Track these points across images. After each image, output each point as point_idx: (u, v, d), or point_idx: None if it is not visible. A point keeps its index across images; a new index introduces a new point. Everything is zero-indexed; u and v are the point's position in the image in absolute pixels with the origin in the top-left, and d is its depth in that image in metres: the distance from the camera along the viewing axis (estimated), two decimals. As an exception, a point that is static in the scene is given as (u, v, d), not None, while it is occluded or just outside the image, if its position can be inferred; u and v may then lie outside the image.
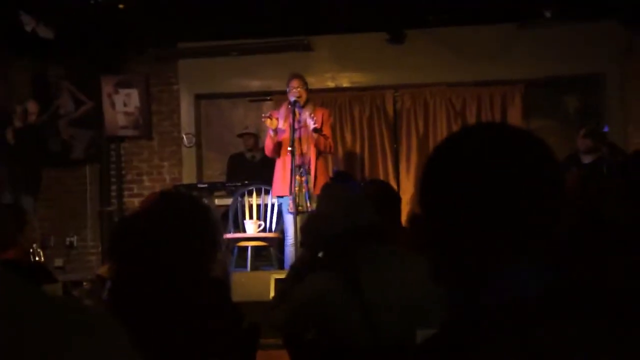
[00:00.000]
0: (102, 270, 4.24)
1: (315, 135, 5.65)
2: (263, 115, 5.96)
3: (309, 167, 5.64)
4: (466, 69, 7.49)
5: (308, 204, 5.47)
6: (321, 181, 5.57)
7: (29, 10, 6.17)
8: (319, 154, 5.75)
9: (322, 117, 5.80)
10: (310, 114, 5.69)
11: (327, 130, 5.83)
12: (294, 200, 5.51)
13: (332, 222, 2.42)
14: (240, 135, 7.58)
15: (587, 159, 6.38)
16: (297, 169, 5.55)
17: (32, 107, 6.54)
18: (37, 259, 4.28)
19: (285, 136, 5.71)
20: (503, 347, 0.87)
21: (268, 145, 5.89)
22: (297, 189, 5.54)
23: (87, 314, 0.76)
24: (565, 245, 1.10)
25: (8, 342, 0.68)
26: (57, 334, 0.71)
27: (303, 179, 5.56)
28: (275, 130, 5.75)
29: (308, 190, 5.52)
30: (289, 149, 5.52)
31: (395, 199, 3.20)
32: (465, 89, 7.74)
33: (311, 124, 5.63)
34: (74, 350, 0.70)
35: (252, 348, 2.49)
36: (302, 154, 5.61)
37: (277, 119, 5.77)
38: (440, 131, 7.61)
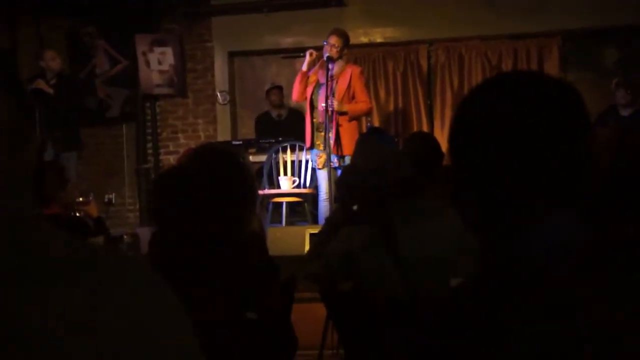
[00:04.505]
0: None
1: (346, 115, 5.63)
2: (308, 52, 5.88)
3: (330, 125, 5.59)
4: (501, 22, 7.35)
5: (334, 160, 5.52)
6: (347, 139, 5.57)
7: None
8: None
9: (351, 77, 5.73)
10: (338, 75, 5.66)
11: (360, 91, 5.77)
12: (326, 155, 5.55)
13: (367, 175, 2.44)
14: (267, 92, 7.54)
15: (625, 112, 6.28)
16: (322, 124, 5.59)
17: (49, 54, 6.55)
18: (77, 214, 4.37)
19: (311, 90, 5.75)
20: (533, 297, 0.87)
21: (296, 84, 5.85)
22: (322, 145, 5.61)
23: (131, 264, 0.80)
24: (601, 198, 1.09)
25: (56, 289, 0.71)
26: (99, 280, 0.74)
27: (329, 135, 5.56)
28: (309, 65, 5.74)
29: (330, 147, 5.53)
30: (322, 105, 5.54)
31: (438, 152, 3.18)
32: (500, 42, 7.60)
33: (334, 105, 5.55)
34: (116, 297, 0.73)
35: (288, 301, 2.54)
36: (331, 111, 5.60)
37: (316, 62, 5.76)
38: (476, 86, 7.52)
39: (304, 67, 5.79)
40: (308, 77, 5.81)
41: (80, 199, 4.27)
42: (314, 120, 5.82)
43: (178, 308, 0.79)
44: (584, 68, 7.53)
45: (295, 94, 5.91)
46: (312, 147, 5.85)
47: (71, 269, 0.73)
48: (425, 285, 2.26)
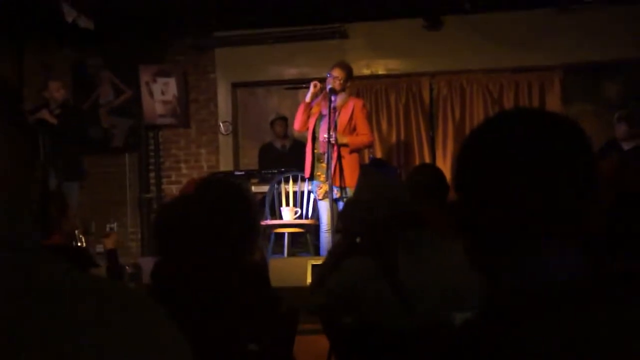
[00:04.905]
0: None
1: (347, 147, 5.64)
2: (312, 83, 5.88)
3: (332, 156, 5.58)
4: (503, 55, 7.41)
5: (335, 192, 5.52)
6: (348, 171, 5.58)
7: (69, 1, 6.26)
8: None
9: (353, 110, 5.75)
10: (340, 107, 5.69)
11: (362, 124, 5.79)
12: (327, 186, 5.55)
13: (371, 208, 2.44)
14: (272, 123, 7.59)
15: (627, 145, 6.28)
16: (323, 155, 5.61)
17: (54, 85, 6.58)
18: (79, 244, 4.37)
19: (313, 121, 5.79)
20: (535, 330, 0.87)
21: (298, 114, 5.87)
22: (324, 176, 5.62)
23: (129, 294, 0.80)
24: (602, 230, 1.10)
25: (54, 319, 0.72)
26: (99, 311, 0.74)
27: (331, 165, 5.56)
28: (312, 97, 5.77)
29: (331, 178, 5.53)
30: (325, 136, 5.55)
31: (443, 184, 3.17)
32: (502, 75, 7.65)
33: (335, 137, 5.56)
34: (114, 326, 0.73)
35: (291, 333, 2.52)
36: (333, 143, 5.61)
37: (319, 93, 5.80)
38: (477, 118, 7.53)
39: (307, 98, 5.83)
40: (311, 108, 5.84)
41: (108, 228, 4.31)
42: (315, 151, 5.84)
43: (179, 339, 0.79)
44: (587, 101, 7.56)
45: (297, 124, 5.94)
46: (311, 177, 5.86)
47: (72, 300, 0.74)
48: (429, 318, 2.24)
